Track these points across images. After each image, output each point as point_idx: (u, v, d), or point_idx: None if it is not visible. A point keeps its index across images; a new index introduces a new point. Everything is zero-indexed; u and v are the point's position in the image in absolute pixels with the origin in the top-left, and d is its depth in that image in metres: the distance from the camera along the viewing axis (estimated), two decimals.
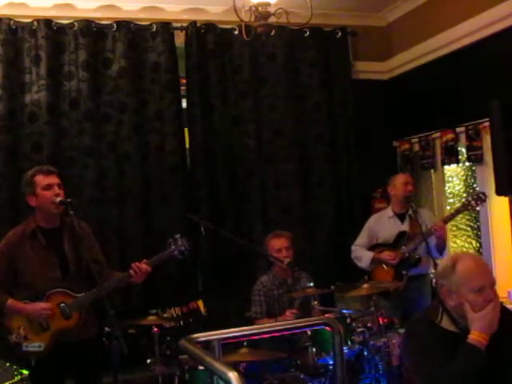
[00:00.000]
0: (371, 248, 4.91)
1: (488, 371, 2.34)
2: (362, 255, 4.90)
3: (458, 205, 5.49)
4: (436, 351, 2.41)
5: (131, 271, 3.56)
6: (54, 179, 3.51)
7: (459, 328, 2.46)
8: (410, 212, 4.69)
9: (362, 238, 4.99)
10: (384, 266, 4.81)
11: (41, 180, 3.49)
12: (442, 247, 4.63)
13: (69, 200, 3.47)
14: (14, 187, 4.81)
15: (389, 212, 4.97)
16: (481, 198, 4.48)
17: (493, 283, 2.46)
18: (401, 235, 4.80)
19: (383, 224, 4.94)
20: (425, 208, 5.29)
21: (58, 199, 3.45)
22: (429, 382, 2.41)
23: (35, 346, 3.40)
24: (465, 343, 2.36)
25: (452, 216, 4.70)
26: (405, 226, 4.84)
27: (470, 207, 4.54)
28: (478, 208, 4.58)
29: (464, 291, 2.40)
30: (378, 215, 5.07)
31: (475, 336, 2.35)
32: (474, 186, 5.34)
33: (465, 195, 5.48)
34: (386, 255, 4.76)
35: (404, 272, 4.69)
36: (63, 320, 3.45)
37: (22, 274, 3.47)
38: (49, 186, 3.47)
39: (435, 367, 2.38)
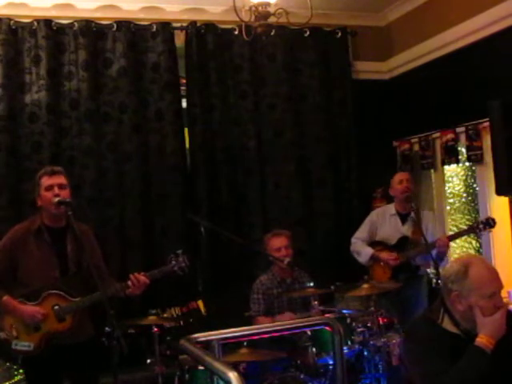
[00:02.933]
0: (371, 245, 4.90)
1: (490, 374, 2.34)
2: (361, 250, 4.89)
3: (457, 204, 5.50)
4: (436, 351, 2.41)
5: (129, 282, 3.52)
6: (55, 180, 3.51)
7: (460, 330, 2.46)
8: (412, 215, 4.70)
9: (362, 232, 4.98)
10: (382, 263, 4.80)
11: (44, 181, 3.51)
12: (442, 257, 4.61)
13: (68, 200, 3.47)
14: (14, 187, 4.82)
15: (391, 209, 4.95)
16: (489, 224, 4.47)
17: (501, 288, 2.47)
18: (403, 240, 4.78)
19: (384, 220, 4.93)
20: (426, 210, 5.26)
21: (56, 200, 3.44)
22: (429, 381, 2.42)
23: (24, 345, 3.38)
24: (472, 346, 2.36)
25: (457, 235, 4.72)
26: (406, 228, 4.83)
27: (477, 230, 4.53)
28: (484, 233, 4.57)
29: (475, 297, 2.39)
30: (381, 210, 5.06)
31: (483, 340, 2.35)
32: (474, 186, 5.34)
33: (465, 195, 5.48)
34: (387, 255, 4.75)
35: (401, 276, 4.69)
36: (56, 322, 3.43)
37: (21, 270, 3.46)
38: (50, 187, 3.48)
39: (435, 367, 2.38)
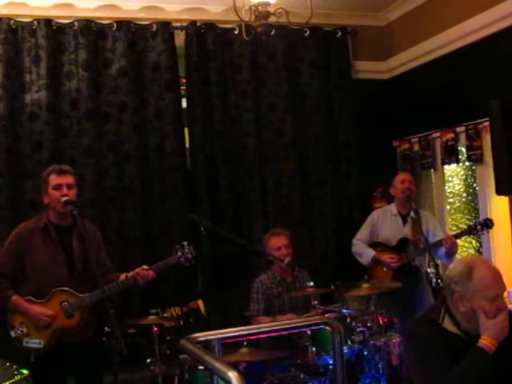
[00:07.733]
0: (372, 245, 4.89)
1: (491, 375, 2.35)
2: (363, 252, 4.88)
3: (457, 204, 5.50)
4: (436, 351, 2.41)
5: (138, 277, 3.59)
6: (64, 179, 3.56)
7: (460, 330, 2.46)
8: (412, 214, 4.68)
9: (363, 233, 4.97)
10: (384, 268, 4.78)
11: (52, 179, 3.56)
12: (451, 256, 4.58)
13: (74, 200, 3.52)
14: (14, 187, 4.82)
15: (393, 209, 4.93)
16: (487, 225, 4.44)
17: (504, 291, 2.47)
18: (403, 241, 4.77)
19: (386, 221, 4.92)
20: (426, 210, 5.25)
21: (64, 199, 3.49)
22: (429, 381, 2.42)
23: (35, 342, 3.42)
24: (475, 347, 2.37)
25: (459, 235, 4.65)
26: (406, 228, 4.81)
27: (475, 232, 4.50)
28: (482, 234, 4.54)
29: (479, 299, 2.40)
30: (382, 210, 5.04)
31: (486, 342, 2.36)
32: (474, 185, 5.34)
33: (465, 195, 5.48)
34: (388, 258, 4.74)
35: (402, 277, 4.68)
36: (65, 319, 3.47)
37: (29, 267, 3.50)
38: (58, 186, 3.53)
39: (435, 367, 2.38)
